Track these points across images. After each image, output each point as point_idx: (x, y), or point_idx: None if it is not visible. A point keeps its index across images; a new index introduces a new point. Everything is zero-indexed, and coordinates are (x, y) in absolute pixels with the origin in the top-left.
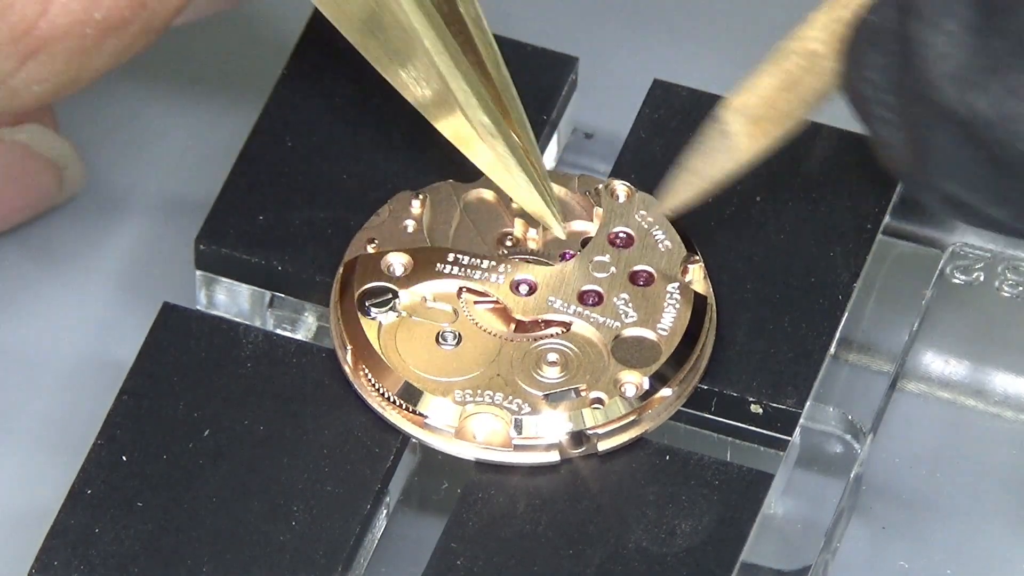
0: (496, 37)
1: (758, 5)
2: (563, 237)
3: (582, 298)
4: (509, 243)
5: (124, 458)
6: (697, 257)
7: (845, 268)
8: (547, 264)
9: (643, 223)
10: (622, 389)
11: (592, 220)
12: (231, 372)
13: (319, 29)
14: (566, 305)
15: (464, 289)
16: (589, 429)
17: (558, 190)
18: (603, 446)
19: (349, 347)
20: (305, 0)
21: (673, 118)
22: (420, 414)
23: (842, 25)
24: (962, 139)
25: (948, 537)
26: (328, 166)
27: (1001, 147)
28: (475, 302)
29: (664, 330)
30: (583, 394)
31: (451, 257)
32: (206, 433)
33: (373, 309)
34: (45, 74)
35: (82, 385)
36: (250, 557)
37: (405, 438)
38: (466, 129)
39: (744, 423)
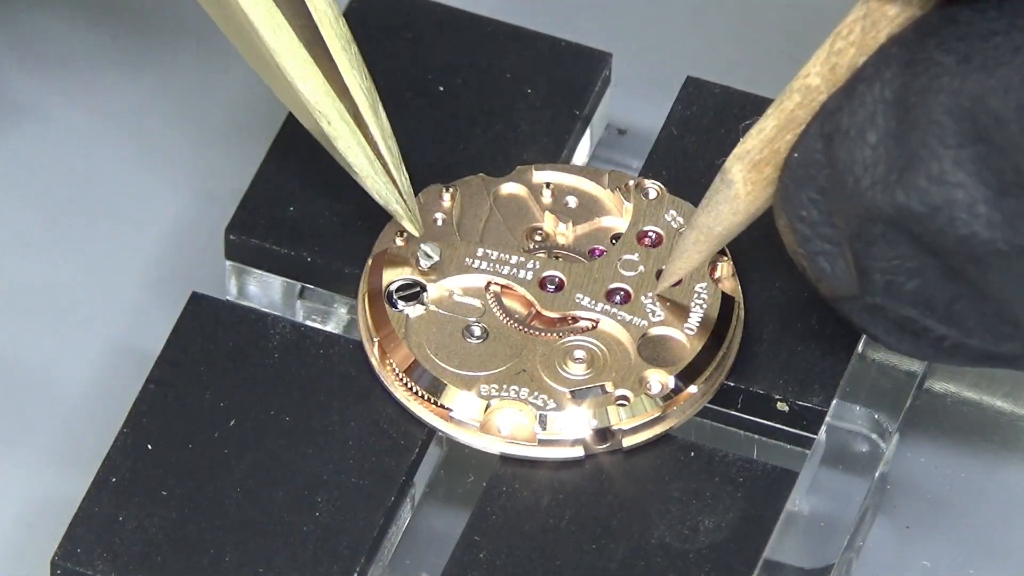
0: (530, 32)
1: (794, 3)
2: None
3: (610, 296)
4: (538, 238)
5: (149, 447)
6: (726, 255)
7: None
8: (576, 260)
9: (673, 223)
10: (648, 387)
11: (622, 216)
12: (258, 362)
13: (357, 18)
14: (593, 303)
15: (492, 283)
16: (614, 426)
17: (591, 186)
18: (628, 442)
19: (376, 339)
20: None
21: (705, 115)
22: (445, 407)
23: (842, 59)
24: (903, 244)
25: (972, 537)
26: None
27: (940, 238)
28: (502, 297)
29: (691, 329)
30: (609, 391)
31: (480, 251)
32: (232, 423)
33: (401, 302)
34: None
35: (110, 373)
36: (274, 547)
37: (431, 431)
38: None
39: (770, 421)
